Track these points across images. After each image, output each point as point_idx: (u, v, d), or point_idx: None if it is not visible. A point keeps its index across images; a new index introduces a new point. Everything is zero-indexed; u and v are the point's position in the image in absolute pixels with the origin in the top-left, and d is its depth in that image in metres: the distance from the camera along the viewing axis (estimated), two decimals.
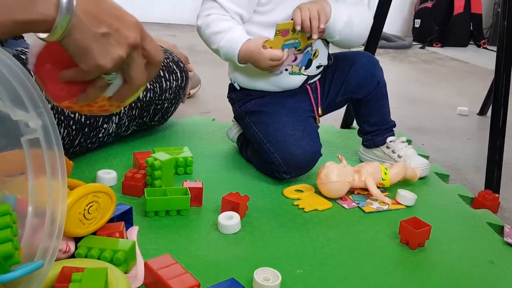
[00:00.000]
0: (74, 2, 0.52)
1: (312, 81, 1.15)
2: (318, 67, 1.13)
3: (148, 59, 0.63)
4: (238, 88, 1.14)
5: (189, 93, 1.68)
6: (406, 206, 1.01)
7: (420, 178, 1.15)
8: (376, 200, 1.02)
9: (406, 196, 1.02)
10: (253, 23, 1.06)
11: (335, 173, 0.99)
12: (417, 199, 1.03)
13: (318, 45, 1.10)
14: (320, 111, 1.16)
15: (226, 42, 1.01)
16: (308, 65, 1.10)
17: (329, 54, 1.16)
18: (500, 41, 1.12)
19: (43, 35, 0.54)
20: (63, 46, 0.56)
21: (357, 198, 1.03)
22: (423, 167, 1.15)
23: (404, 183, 1.12)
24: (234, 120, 1.22)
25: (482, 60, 3.30)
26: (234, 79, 1.13)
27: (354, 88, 1.17)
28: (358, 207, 1.00)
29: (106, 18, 0.57)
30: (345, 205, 1.00)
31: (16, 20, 0.51)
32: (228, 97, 1.19)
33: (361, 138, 1.25)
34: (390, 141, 1.19)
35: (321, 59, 1.13)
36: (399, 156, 1.17)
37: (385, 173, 1.04)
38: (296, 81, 1.12)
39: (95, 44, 0.56)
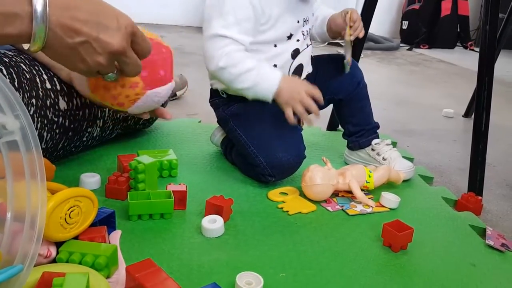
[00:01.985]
0: (47, 17, 0.58)
1: None
2: (307, 75, 1.16)
3: (138, 54, 0.71)
4: (223, 95, 1.14)
5: (176, 95, 1.68)
6: (390, 209, 1.02)
7: (404, 181, 1.15)
8: (360, 202, 1.02)
9: (390, 199, 1.02)
10: (254, 42, 1.05)
11: (319, 176, 0.99)
12: (400, 202, 1.03)
13: (308, 54, 1.14)
14: None
15: (259, 79, 0.99)
16: (299, 73, 1.13)
17: (313, 60, 1.18)
18: (482, 45, 1.13)
19: (26, 46, 0.61)
20: (45, 54, 0.63)
21: (341, 201, 1.03)
22: (407, 170, 1.16)
23: (388, 185, 1.12)
24: (218, 124, 1.22)
25: (469, 62, 3.33)
26: (218, 86, 1.13)
27: (335, 89, 1.19)
28: (342, 209, 1.00)
29: (84, 28, 0.61)
30: (329, 208, 1.00)
31: None
32: (210, 102, 1.19)
33: (346, 141, 1.26)
34: (375, 144, 1.20)
35: (309, 67, 1.16)
36: (384, 159, 1.18)
37: (369, 176, 1.05)
38: None
39: (71, 53, 0.62)
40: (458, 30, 4.14)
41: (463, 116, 1.98)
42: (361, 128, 1.22)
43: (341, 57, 1.18)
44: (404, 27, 4.12)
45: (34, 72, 0.92)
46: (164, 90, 0.88)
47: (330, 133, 1.52)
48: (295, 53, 1.10)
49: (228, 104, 1.13)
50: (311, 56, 1.17)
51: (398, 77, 2.72)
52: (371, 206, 1.01)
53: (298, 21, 1.09)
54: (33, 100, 0.90)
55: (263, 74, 1.00)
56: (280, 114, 1.08)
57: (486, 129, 1.13)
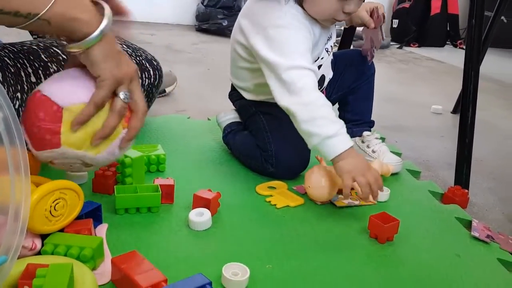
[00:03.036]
0: (109, 24, 0.70)
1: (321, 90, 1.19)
2: (328, 82, 1.19)
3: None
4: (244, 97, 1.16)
5: (165, 91, 1.68)
6: (379, 202, 1.03)
7: (392, 175, 1.16)
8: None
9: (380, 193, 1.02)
10: None
11: (324, 178, 0.97)
12: (388, 195, 1.04)
13: (328, 62, 1.16)
14: None
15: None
16: (321, 83, 1.15)
17: (332, 62, 1.19)
18: (468, 39, 1.14)
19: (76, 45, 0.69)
20: (88, 56, 0.70)
21: None
22: (395, 163, 1.17)
23: None
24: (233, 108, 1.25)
25: (458, 60, 3.34)
26: (244, 93, 1.16)
27: (349, 83, 1.23)
28: (330, 201, 1.00)
29: (118, 44, 0.75)
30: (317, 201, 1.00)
31: (70, 16, 0.66)
32: (229, 94, 1.22)
33: None
34: (367, 135, 1.22)
35: (330, 74, 1.18)
36: (374, 151, 1.19)
37: None
38: None
39: (113, 56, 0.72)
40: (448, 28, 4.16)
41: (451, 112, 1.99)
42: (359, 118, 1.24)
43: (350, 51, 1.22)
44: (394, 25, 4.13)
45: (19, 65, 0.92)
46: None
47: None
48: (318, 68, 1.10)
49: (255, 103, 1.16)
50: (332, 59, 1.19)
51: (387, 75, 2.74)
52: (359, 199, 1.01)
53: (325, 43, 1.10)
54: (18, 94, 0.90)
55: (340, 134, 0.93)
56: None
57: (473, 123, 1.14)
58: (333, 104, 1.28)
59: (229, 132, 1.21)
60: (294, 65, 0.94)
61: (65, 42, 0.71)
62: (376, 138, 1.22)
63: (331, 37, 1.13)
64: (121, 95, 0.73)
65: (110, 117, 0.73)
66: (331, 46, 1.14)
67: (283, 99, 0.95)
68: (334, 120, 0.93)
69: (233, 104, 1.24)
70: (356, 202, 1.01)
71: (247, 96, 1.15)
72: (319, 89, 1.10)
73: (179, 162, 1.13)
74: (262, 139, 1.09)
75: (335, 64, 1.21)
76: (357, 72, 1.23)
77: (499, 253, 0.90)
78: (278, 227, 0.90)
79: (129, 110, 0.76)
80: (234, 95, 1.20)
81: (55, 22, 0.66)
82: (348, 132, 1.21)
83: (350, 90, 1.24)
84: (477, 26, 1.11)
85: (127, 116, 0.76)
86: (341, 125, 0.93)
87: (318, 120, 0.92)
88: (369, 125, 1.26)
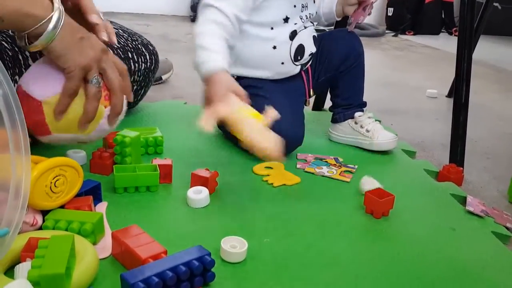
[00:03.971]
0: (63, 10, 0.72)
1: (305, 67, 1.21)
2: (310, 54, 1.18)
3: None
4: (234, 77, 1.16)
5: (161, 78, 1.69)
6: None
7: (387, 154, 1.17)
8: (328, 165, 1.09)
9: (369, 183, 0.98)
10: (251, 24, 1.09)
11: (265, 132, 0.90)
12: (383, 174, 1.05)
13: (308, 34, 1.16)
14: (311, 93, 1.24)
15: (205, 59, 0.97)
16: (301, 54, 1.15)
17: (316, 39, 1.20)
18: (461, 18, 1.15)
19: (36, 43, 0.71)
20: (50, 51, 0.73)
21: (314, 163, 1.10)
22: (390, 140, 1.18)
23: (374, 161, 1.15)
24: None
25: (453, 47, 3.32)
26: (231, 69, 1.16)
27: (337, 64, 1.22)
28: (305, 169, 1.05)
29: (81, 29, 0.77)
30: (299, 166, 1.08)
31: (24, 11, 0.68)
32: None
33: (330, 120, 1.28)
34: (359, 116, 1.23)
35: (311, 47, 1.18)
36: (368, 131, 1.19)
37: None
38: (291, 71, 1.18)
39: (74, 46, 0.74)
40: (443, 16, 4.17)
41: (446, 96, 2.00)
42: (350, 102, 1.25)
43: (339, 31, 1.24)
44: (390, 14, 4.14)
45: (16, 49, 0.93)
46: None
47: (316, 113, 1.54)
48: (293, 34, 1.13)
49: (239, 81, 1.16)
50: (314, 36, 1.20)
51: (383, 61, 2.75)
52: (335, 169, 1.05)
53: (295, 6, 1.12)
54: (16, 77, 0.91)
55: (209, 59, 0.97)
56: (292, 94, 1.15)
57: (466, 101, 1.15)
58: (323, 87, 1.31)
59: None
60: (210, 3, 1.01)
61: (23, 43, 0.73)
62: (369, 117, 1.23)
63: (306, 6, 1.15)
64: (92, 80, 0.77)
65: (87, 103, 0.78)
66: (306, 16, 1.15)
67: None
68: (209, 49, 0.98)
69: None
70: (327, 174, 1.04)
71: (237, 70, 1.16)
72: (299, 60, 1.15)
73: (177, 145, 1.14)
74: None
75: (321, 43, 1.22)
76: (346, 51, 1.22)
77: (493, 226, 0.91)
78: (275, 204, 0.91)
79: (107, 89, 0.81)
80: None
81: (9, 18, 0.68)
82: (340, 117, 1.24)
83: (339, 73, 1.24)
84: (469, 4, 1.11)
85: (107, 94, 0.81)
86: (215, 54, 0.97)
87: (198, 49, 0.99)
88: (361, 107, 1.26)
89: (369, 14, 1.21)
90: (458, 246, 0.83)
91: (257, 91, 1.11)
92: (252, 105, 1.04)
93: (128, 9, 3.51)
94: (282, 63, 1.14)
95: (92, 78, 0.77)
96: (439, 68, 2.71)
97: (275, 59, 1.14)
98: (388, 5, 4.17)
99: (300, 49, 1.15)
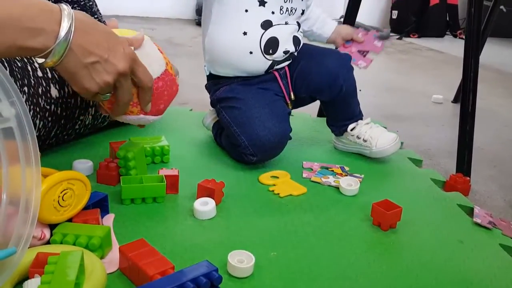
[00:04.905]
0: (71, 38, 0.64)
1: (279, 66, 1.14)
2: (285, 52, 1.11)
3: (139, 84, 0.79)
4: (207, 73, 1.17)
5: None
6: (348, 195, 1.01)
7: (393, 163, 1.17)
8: (334, 174, 1.08)
9: (348, 188, 1.01)
10: (223, 3, 1.07)
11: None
12: (389, 183, 1.05)
13: (288, 31, 1.12)
14: (292, 96, 1.17)
15: None
16: (273, 47, 1.10)
17: (299, 41, 1.15)
18: (468, 27, 1.14)
19: (40, 60, 0.66)
20: (58, 71, 0.69)
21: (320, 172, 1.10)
22: (390, 144, 1.16)
23: (380, 170, 1.14)
24: (210, 108, 1.24)
25: (458, 50, 3.34)
26: (205, 64, 1.17)
27: (316, 90, 1.16)
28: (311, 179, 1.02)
29: (97, 50, 0.69)
30: (305, 175, 1.08)
31: (20, 45, 0.61)
32: (205, 86, 1.22)
33: None
34: (351, 129, 1.20)
35: (288, 45, 1.12)
36: (365, 140, 1.18)
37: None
38: (261, 65, 1.11)
39: (82, 71, 0.69)
40: (447, 19, 4.17)
41: (452, 102, 2.00)
42: (344, 123, 1.21)
43: (329, 54, 1.16)
44: (394, 16, 4.14)
45: (25, 60, 0.93)
46: (153, 120, 0.90)
47: (320, 119, 1.53)
48: (266, 24, 1.08)
49: (215, 88, 1.16)
50: (297, 37, 1.14)
51: (387, 65, 2.74)
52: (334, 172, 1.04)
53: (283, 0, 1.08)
54: (25, 88, 0.91)
55: None
56: (264, 94, 1.11)
57: (473, 110, 1.14)
58: (307, 103, 1.24)
59: (216, 133, 1.22)
60: None
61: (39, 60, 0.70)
62: (366, 124, 1.19)
63: None
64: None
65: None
66: (288, 9, 1.10)
67: None
68: None
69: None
70: (333, 183, 1.04)
71: (207, 66, 1.16)
72: (271, 53, 1.10)
73: (182, 153, 1.14)
74: (233, 136, 1.08)
75: (304, 55, 1.15)
76: (327, 81, 1.12)
77: (501, 238, 0.91)
78: (282, 215, 0.91)
79: (136, 86, 0.81)
80: (207, 87, 1.22)
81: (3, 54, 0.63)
82: (337, 133, 1.23)
83: (322, 102, 1.21)
84: (476, 12, 1.11)
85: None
86: None
87: None
88: (356, 119, 1.21)
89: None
90: (466, 259, 0.83)
91: (232, 103, 1.10)
92: (229, 118, 1.08)
93: (133, 13, 3.52)
94: (251, 52, 1.08)
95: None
96: (444, 72, 2.71)
97: (244, 47, 1.08)
98: (393, 8, 4.16)
99: (273, 42, 1.09)
